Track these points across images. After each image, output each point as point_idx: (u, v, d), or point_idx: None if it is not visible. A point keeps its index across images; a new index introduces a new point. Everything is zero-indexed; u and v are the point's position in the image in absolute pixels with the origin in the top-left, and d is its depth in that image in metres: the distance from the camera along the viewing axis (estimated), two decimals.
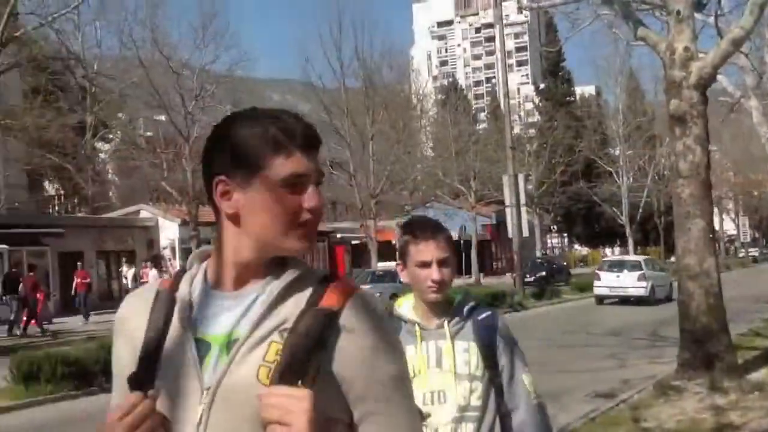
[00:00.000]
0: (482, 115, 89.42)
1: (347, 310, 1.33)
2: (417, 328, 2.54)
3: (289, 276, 1.37)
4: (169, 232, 32.57)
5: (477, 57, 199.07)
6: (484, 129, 63.67)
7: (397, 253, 2.64)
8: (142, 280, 25.76)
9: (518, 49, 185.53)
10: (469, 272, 42.71)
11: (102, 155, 41.98)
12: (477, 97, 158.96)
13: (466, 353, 2.50)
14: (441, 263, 2.47)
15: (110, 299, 28.71)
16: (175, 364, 1.34)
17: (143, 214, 34.51)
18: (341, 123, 36.27)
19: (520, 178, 28.24)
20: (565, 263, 49.85)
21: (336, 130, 36.29)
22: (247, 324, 1.34)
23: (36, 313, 21.69)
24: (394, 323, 2.52)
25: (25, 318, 21.40)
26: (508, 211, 27.88)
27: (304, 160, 1.35)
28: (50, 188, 45.34)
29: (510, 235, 28.54)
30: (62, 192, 44.31)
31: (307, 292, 1.36)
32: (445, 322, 2.53)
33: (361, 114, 36.87)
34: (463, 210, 46.07)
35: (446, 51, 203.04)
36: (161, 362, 1.35)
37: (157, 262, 30.53)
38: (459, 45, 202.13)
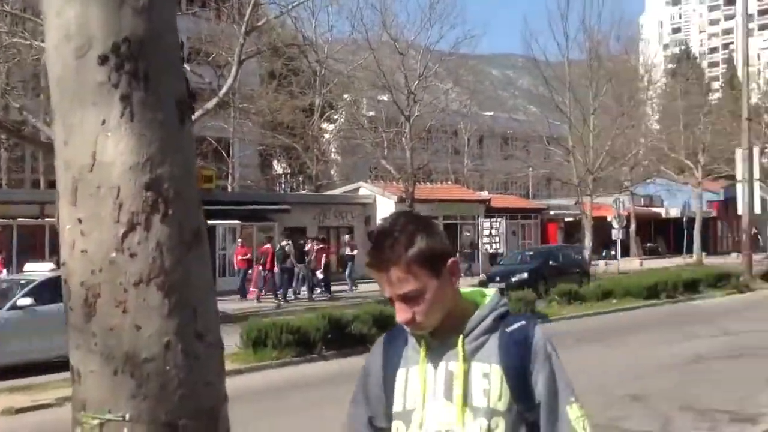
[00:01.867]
0: (715, 84, 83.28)
1: None
2: (422, 342, 1.92)
3: None
4: (386, 208, 33.61)
5: (714, 22, 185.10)
6: (717, 99, 59.33)
7: None
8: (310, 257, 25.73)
9: (761, 12, 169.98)
10: (690, 251, 40.25)
11: (326, 135, 44.09)
12: (711, 65, 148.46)
13: (486, 379, 1.86)
14: (405, 299, 1.84)
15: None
16: None
17: (362, 191, 35.88)
18: (562, 97, 35.36)
19: (756, 151, 26.99)
20: None
21: (556, 105, 35.41)
22: None
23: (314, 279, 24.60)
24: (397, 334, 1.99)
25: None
26: (739, 186, 27.10)
27: None
28: (278, 167, 48.41)
29: (739, 212, 27.39)
30: (289, 171, 47.17)
31: None
32: (461, 337, 1.89)
33: (583, 87, 35.80)
34: (687, 186, 43.47)
35: (680, 17, 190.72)
36: None
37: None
38: (695, 10, 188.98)
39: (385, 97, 33.96)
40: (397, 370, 1.95)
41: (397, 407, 1.93)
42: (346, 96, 40.35)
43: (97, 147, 2.39)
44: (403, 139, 30.07)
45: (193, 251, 2.51)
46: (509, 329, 1.89)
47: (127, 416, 2.34)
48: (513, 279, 22.69)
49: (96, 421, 2.35)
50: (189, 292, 2.45)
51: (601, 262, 35.94)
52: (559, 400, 1.85)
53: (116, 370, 2.34)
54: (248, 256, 25.11)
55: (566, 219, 43.17)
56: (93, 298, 2.38)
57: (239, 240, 26.55)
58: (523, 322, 1.91)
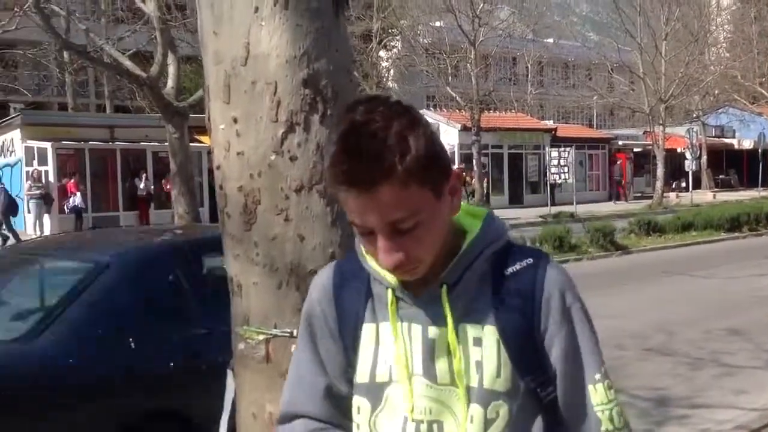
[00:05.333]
0: None
1: None
2: (389, 295, 1.31)
3: None
4: (449, 137, 33.11)
5: None
6: None
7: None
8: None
9: None
10: (766, 184, 38.90)
11: (384, 63, 43.45)
12: None
13: (478, 348, 1.28)
14: (394, 232, 1.21)
15: None
16: None
17: None
18: (632, 22, 34.03)
19: None
20: None
21: (626, 30, 34.10)
22: None
23: None
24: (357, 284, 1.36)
25: None
26: None
27: None
28: None
29: None
30: None
31: None
32: (444, 288, 1.29)
33: (653, 12, 34.43)
34: (762, 116, 41.82)
35: None
36: None
37: None
38: None
39: (441, 23, 33.21)
40: (362, 323, 1.34)
41: (361, 377, 1.34)
42: (403, 21, 39.56)
43: (250, 38, 2.18)
44: (468, 65, 29.42)
45: None
46: (509, 271, 1.29)
47: (295, 332, 2.17)
48: None
49: (261, 337, 2.20)
50: None
51: (672, 194, 35.15)
52: (583, 372, 1.29)
53: (281, 283, 2.17)
54: None
55: (635, 150, 42.14)
56: (253, 204, 2.19)
57: None
58: (530, 260, 1.30)
